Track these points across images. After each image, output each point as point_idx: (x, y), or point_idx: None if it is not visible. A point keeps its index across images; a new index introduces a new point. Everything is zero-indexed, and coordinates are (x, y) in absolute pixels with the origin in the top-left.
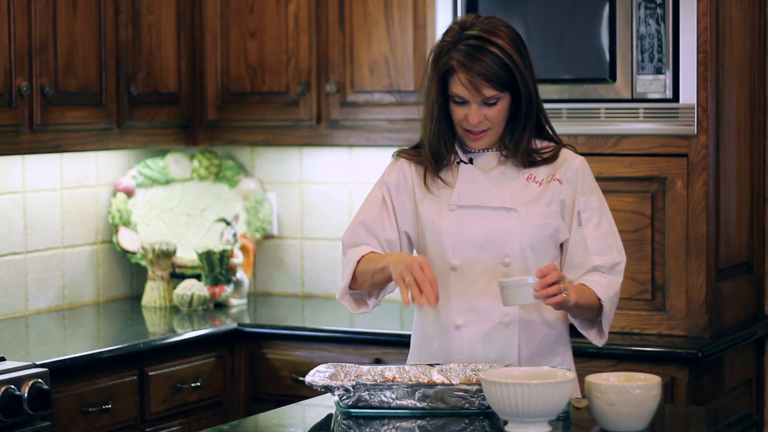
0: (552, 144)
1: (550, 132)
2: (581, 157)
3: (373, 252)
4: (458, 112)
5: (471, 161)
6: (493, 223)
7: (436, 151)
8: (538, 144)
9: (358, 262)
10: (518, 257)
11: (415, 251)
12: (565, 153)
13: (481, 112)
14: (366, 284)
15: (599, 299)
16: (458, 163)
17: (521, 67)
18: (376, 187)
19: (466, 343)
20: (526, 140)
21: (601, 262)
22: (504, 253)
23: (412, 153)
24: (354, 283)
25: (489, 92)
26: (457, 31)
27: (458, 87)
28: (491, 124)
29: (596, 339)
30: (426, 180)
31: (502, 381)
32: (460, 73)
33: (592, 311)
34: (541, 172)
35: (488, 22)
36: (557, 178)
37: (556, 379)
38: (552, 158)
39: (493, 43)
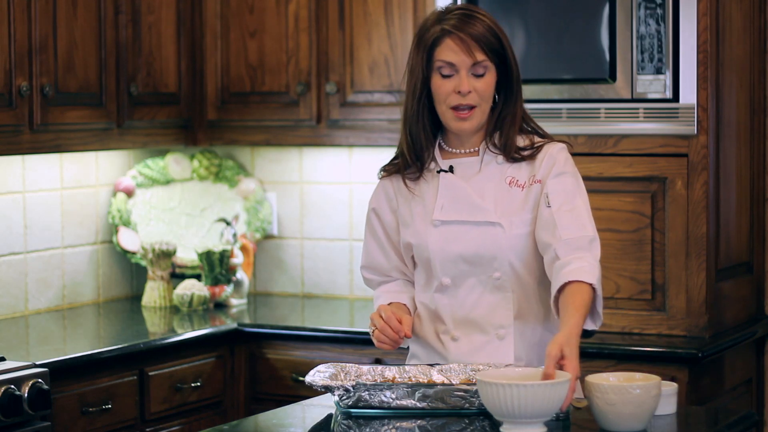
0: (535, 139)
1: (532, 128)
2: (560, 144)
3: (382, 305)
4: (445, 86)
5: (451, 169)
6: (478, 238)
7: (416, 135)
8: (520, 142)
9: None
10: (508, 270)
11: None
12: (545, 148)
13: (470, 83)
14: None
15: (591, 287)
16: (438, 172)
17: (507, 40)
18: (367, 219)
19: (462, 355)
20: (516, 125)
21: (571, 236)
22: (493, 268)
23: (392, 167)
24: None
25: (480, 55)
26: (439, 12)
27: (449, 51)
28: (479, 99)
29: (591, 324)
30: (408, 184)
31: (496, 382)
32: (453, 35)
33: (589, 305)
34: (523, 172)
35: (469, 4)
36: (537, 180)
37: (551, 379)
38: (534, 154)
39: (479, 13)
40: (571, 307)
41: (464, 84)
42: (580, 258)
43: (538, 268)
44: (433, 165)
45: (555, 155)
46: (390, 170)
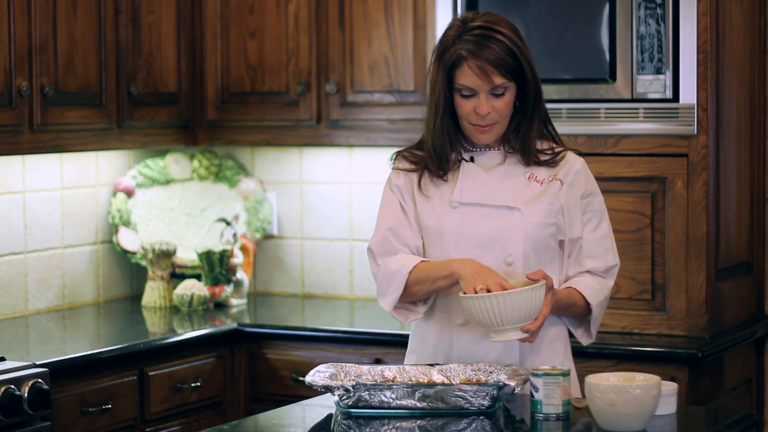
0: (553, 145)
1: (550, 133)
2: (582, 159)
3: (423, 261)
4: (466, 106)
5: (472, 159)
6: (495, 221)
7: (440, 148)
8: (540, 145)
9: (409, 273)
10: (520, 257)
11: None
12: (567, 155)
13: (489, 103)
14: (422, 293)
15: (586, 301)
16: (460, 160)
17: (527, 54)
18: (388, 191)
19: (466, 342)
20: (533, 133)
21: (594, 266)
22: (507, 253)
23: (411, 156)
24: (403, 295)
25: (498, 79)
26: (459, 25)
27: (467, 77)
28: (499, 117)
29: (583, 338)
30: (423, 180)
31: (479, 295)
32: (469, 61)
33: (576, 311)
34: (542, 171)
35: (489, 15)
36: (558, 178)
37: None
38: (554, 162)
39: (498, 31)
40: (565, 291)
41: (483, 107)
42: (594, 278)
43: (549, 259)
44: (454, 155)
45: (582, 171)
46: (413, 163)
